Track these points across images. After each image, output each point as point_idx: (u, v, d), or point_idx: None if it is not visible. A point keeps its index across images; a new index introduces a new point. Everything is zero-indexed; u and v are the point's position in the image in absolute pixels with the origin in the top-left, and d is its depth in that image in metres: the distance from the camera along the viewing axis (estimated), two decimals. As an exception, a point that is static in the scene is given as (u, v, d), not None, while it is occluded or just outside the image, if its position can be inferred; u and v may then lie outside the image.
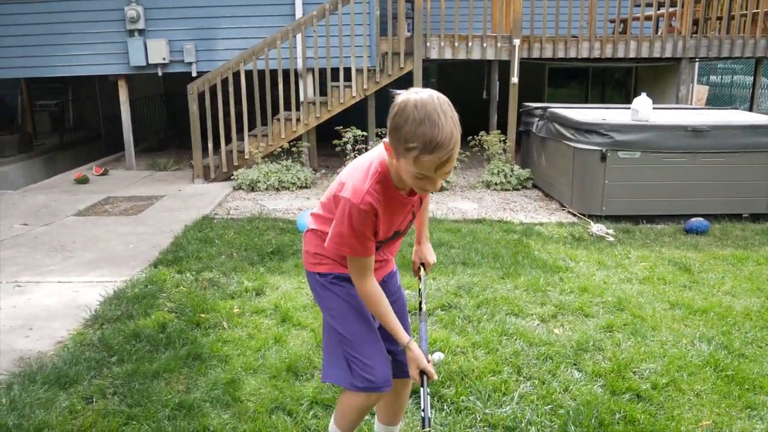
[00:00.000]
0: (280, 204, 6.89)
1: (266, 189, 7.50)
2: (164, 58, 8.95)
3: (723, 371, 3.38)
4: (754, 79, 9.82)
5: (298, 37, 8.21)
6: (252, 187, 7.51)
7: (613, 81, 13.14)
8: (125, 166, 9.44)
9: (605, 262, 5.04)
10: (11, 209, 6.89)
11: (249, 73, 8.10)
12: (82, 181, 8.29)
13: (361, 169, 1.94)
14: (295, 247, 5.21)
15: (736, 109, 12.54)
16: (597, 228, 5.84)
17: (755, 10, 8.94)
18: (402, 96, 1.74)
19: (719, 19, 9.09)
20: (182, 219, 6.21)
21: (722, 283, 4.68)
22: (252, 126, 8.37)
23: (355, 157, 7.80)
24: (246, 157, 8.10)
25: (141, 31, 9.00)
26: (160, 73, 9.18)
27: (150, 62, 8.99)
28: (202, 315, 3.91)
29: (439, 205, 6.86)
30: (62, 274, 4.77)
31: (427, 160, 1.68)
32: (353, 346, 2.11)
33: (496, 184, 7.61)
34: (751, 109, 10.10)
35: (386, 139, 1.79)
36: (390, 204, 1.94)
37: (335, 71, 8.19)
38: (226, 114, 8.04)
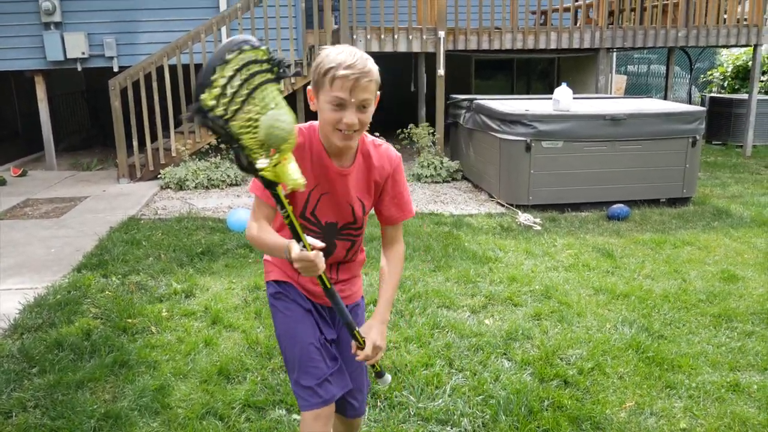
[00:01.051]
0: (209, 203, 6.75)
1: (195, 187, 7.34)
2: (83, 53, 8.59)
3: (644, 353, 3.55)
4: (667, 68, 10.30)
5: (223, 30, 8.04)
6: (180, 186, 7.33)
7: (537, 72, 13.48)
8: (45, 166, 9.04)
9: (533, 251, 5.19)
10: None
11: (173, 68, 7.88)
12: (-2, 182, 7.89)
13: None
14: (225, 247, 5.13)
15: (652, 97, 13.11)
16: (524, 218, 6.00)
17: (665, 2, 9.35)
18: (321, 50, 1.82)
19: (633, 10, 9.45)
20: (107, 221, 6.01)
21: (642, 267, 4.90)
22: (179, 123, 8.15)
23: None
24: (173, 154, 7.90)
25: (57, 24, 8.61)
26: (79, 68, 8.81)
27: (68, 57, 8.61)
28: (129, 320, 3.80)
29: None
30: (-23, 283, 4.54)
31: (341, 75, 1.72)
32: (292, 369, 2.04)
33: (426, 176, 7.70)
34: (665, 97, 10.59)
35: (309, 87, 1.84)
36: (316, 163, 1.89)
37: (262, 65, 8.06)
38: (151, 110, 7.81)
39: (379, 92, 1.83)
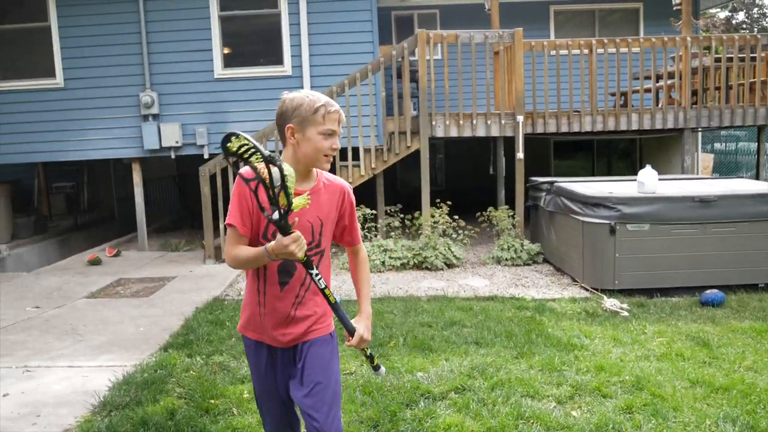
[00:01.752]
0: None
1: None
2: (177, 142, 9.19)
3: (752, 453, 3.27)
4: (758, 147, 9.92)
5: (308, 118, 8.41)
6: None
7: (618, 151, 13.30)
8: (137, 247, 9.53)
9: (621, 339, 4.95)
10: (24, 291, 6.93)
11: (259, 155, 8.25)
12: (95, 262, 8.35)
13: None
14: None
15: (742, 176, 12.60)
16: (610, 303, 5.77)
17: (752, 80, 9.13)
18: (285, 95, 2.21)
19: (717, 89, 9.28)
20: (193, 301, 6.21)
21: (743, 357, 4.57)
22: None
23: (366, 236, 7.89)
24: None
25: (155, 116, 9.29)
26: (173, 156, 9.41)
27: (163, 145, 9.23)
28: (212, 401, 3.85)
29: (450, 283, 6.83)
30: (72, 358, 4.74)
31: (333, 112, 2.17)
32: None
33: (506, 259, 7.59)
34: (757, 177, 10.15)
35: (289, 125, 2.17)
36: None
37: (344, 151, 8.35)
38: (237, 194, 8.15)
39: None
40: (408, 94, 8.46)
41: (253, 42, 9.70)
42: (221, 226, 8.22)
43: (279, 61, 9.37)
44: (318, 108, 2.15)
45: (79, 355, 4.82)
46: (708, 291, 5.94)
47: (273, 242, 2.05)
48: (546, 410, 3.73)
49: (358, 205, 7.88)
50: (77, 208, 11.88)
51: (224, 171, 8.20)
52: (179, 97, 9.35)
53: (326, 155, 2.20)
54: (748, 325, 5.27)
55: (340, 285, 6.81)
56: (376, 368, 2.45)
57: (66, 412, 3.80)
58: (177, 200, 13.33)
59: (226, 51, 9.45)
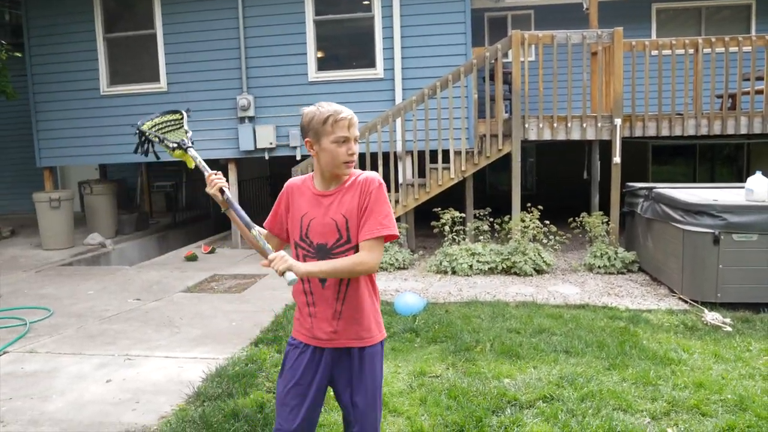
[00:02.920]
0: (378, 285, 6.91)
1: (363, 269, 7.58)
2: (271, 143, 9.47)
3: None
4: None
5: (398, 121, 8.47)
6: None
7: (722, 157, 12.57)
8: (231, 244, 9.89)
9: (723, 355, 4.65)
10: (127, 284, 7.33)
11: (349, 157, 8.37)
12: (192, 258, 8.73)
13: None
14: (392, 330, 5.17)
15: None
16: (711, 316, 5.45)
17: None
18: (305, 110, 2.38)
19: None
20: (283, 298, 6.37)
21: None
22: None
23: (454, 239, 7.84)
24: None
25: (251, 118, 9.62)
26: (266, 157, 9.71)
27: (258, 147, 9.55)
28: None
29: (540, 289, 6.66)
30: (169, 349, 4.97)
31: (341, 119, 2.27)
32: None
33: (599, 267, 7.32)
34: None
35: (307, 139, 2.34)
36: (305, 195, 2.43)
37: (434, 153, 8.34)
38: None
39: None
40: (500, 96, 8.34)
41: (347, 45, 9.86)
42: (311, 226, 8.39)
43: (371, 64, 9.46)
44: (326, 118, 2.28)
45: (175, 346, 5.04)
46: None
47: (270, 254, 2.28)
48: (639, 426, 3.56)
49: (446, 207, 7.88)
50: (176, 206, 12.49)
51: (315, 172, 8.36)
52: (274, 100, 9.63)
53: (345, 162, 2.32)
54: None
55: (427, 288, 6.80)
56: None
57: (163, 400, 3.99)
58: (269, 200, 13.75)
59: (319, 54, 9.66)
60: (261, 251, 2.38)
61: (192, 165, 2.66)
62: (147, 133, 2.70)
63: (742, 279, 5.82)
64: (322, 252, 2.35)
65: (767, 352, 4.75)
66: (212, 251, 9.35)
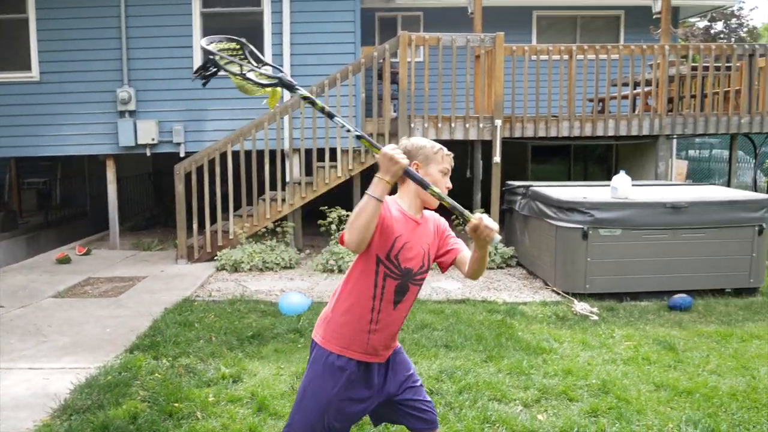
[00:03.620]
0: (263, 285, 6.83)
1: (250, 270, 7.46)
2: (153, 139, 9.09)
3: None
4: (730, 155, 10.05)
5: (285, 118, 8.39)
6: (235, 268, 7.46)
7: (594, 157, 13.40)
8: (109, 245, 9.40)
9: (589, 342, 4.98)
10: (-10, 291, 6.80)
11: (236, 154, 8.21)
12: (64, 261, 8.22)
13: None
14: (275, 331, 5.13)
15: (715, 183, 12.78)
16: (581, 307, 5.81)
17: (726, 89, 9.24)
18: (405, 141, 2.50)
19: (693, 96, 9.38)
20: (163, 301, 6.14)
21: (707, 361, 4.62)
22: (237, 206, 8.40)
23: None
24: (230, 237, 8.10)
25: (132, 113, 9.18)
26: (148, 153, 9.30)
27: (139, 142, 9.13)
28: (176, 404, 3.80)
29: (423, 286, 6.81)
30: (34, 359, 4.66)
31: (447, 155, 2.49)
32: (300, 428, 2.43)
33: (480, 262, 7.60)
34: (729, 184, 10.28)
35: (415, 162, 2.41)
36: (399, 219, 2.38)
37: (321, 152, 8.32)
38: (212, 194, 8.10)
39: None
40: (388, 95, 8.45)
41: (234, 39, 9.62)
42: (195, 226, 8.14)
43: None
44: (437, 150, 2.46)
45: (42, 356, 4.73)
46: (676, 296, 6.01)
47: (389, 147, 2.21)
48: (512, 414, 3.73)
49: (333, 206, 7.89)
50: (49, 204, 11.70)
51: (199, 169, 8.13)
52: (157, 94, 9.25)
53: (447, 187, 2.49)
54: (713, 330, 5.34)
55: (312, 287, 6.78)
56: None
57: (24, 415, 3.73)
58: (152, 198, 13.20)
59: (205, 49, 9.36)
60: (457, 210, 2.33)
61: (274, 103, 2.43)
62: (218, 57, 2.33)
63: (607, 271, 6.24)
64: (407, 277, 2.43)
65: (628, 338, 5.13)
66: (88, 253, 8.85)
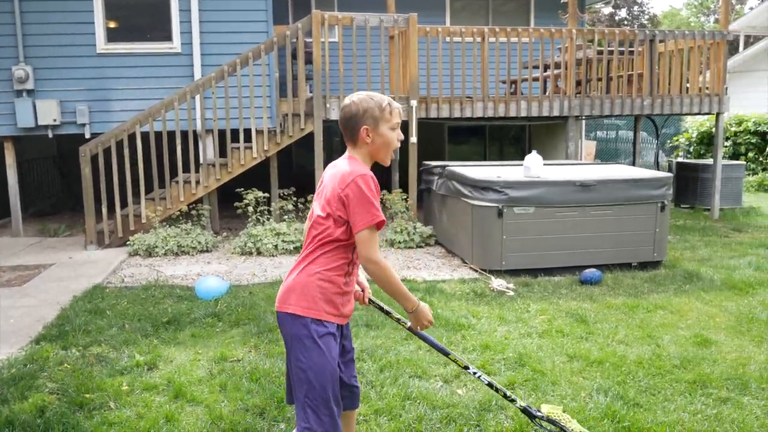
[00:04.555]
0: (178, 270, 6.62)
1: (164, 254, 7.21)
2: (55, 120, 8.58)
3: (620, 422, 3.47)
4: (635, 135, 10.57)
5: (197, 98, 8.11)
6: (149, 253, 7.20)
7: (509, 137, 13.76)
8: (11, 232, 8.85)
9: (506, 317, 5.13)
10: None
11: (146, 135, 7.88)
12: (-40, 250, 7.68)
13: (344, 168, 2.39)
14: (192, 316, 4.98)
15: (620, 162, 13.40)
16: (497, 283, 5.97)
17: (630, 72, 9.68)
18: (350, 102, 2.41)
19: (599, 79, 9.77)
20: (72, 289, 5.84)
21: (616, 332, 4.86)
22: (149, 189, 8.09)
23: (258, 219, 7.73)
24: (143, 221, 7.79)
25: (30, 92, 8.62)
26: (50, 135, 8.78)
27: (40, 123, 8.59)
28: (87, 395, 3.63)
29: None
30: (-72, 357, 4.33)
31: (395, 108, 2.42)
32: (322, 400, 2.38)
33: (399, 242, 7.68)
34: (634, 163, 10.82)
35: (364, 127, 2.37)
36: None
37: (235, 132, 8.12)
38: (122, 177, 7.75)
39: None
40: (303, 75, 8.32)
41: (141, 16, 9.18)
42: (104, 210, 7.78)
43: (168, 37, 8.93)
44: (385, 105, 2.39)
45: (-63, 351, 4.41)
46: (587, 270, 6.27)
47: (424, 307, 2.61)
48: (432, 390, 3.80)
49: (249, 187, 7.74)
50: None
51: (107, 151, 7.75)
52: (58, 72, 8.71)
53: (395, 148, 2.48)
54: (621, 302, 5.61)
55: (230, 270, 6.64)
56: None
57: None
58: (57, 182, 12.49)
59: (111, 25, 8.89)
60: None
61: None
62: None
63: (522, 248, 6.44)
64: None
65: (543, 312, 5.32)
66: (-14, 241, 8.29)
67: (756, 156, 14.86)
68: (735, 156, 14.96)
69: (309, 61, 9.16)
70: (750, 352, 4.56)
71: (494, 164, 8.30)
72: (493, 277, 6.18)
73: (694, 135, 16.02)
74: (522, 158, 7.90)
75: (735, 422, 3.53)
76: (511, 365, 4.19)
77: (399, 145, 2.49)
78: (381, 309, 2.94)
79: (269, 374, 3.92)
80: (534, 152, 6.87)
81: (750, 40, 23.85)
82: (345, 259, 2.43)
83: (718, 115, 9.93)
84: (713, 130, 11.36)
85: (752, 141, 14.95)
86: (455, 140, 13.17)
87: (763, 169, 14.56)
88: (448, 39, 8.70)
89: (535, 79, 10.21)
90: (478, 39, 8.88)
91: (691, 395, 3.84)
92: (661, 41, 9.59)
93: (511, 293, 5.81)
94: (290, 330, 2.41)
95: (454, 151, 12.91)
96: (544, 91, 9.81)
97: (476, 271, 6.54)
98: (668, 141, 16.73)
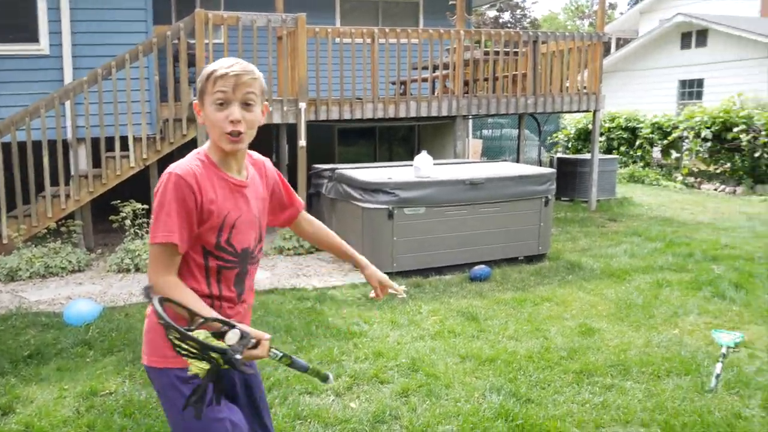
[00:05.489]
0: (45, 294, 6.02)
1: (29, 277, 6.57)
2: None
3: (513, 421, 3.46)
4: (519, 132, 10.87)
5: (67, 104, 7.49)
6: (11, 277, 6.53)
7: (398, 138, 13.82)
8: None
9: (398, 321, 5.04)
10: None
11: (7, 146, 7.19)
12: None
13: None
14: (59, 346, 4.52)
15: (506, 159, 13.81)
16: (390, 286, 5.88)
17: (515, 73, 9.95)
18: None
19: (486, 80, 9.97)
20: None
21: (506, 328, 4.90)
22: (12, 206, 7.38)
23: (136, 233, 7.25)
24: (4, 241, 7.09)
25: None
26: None
27: None
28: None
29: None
30: None
31: (222, 74, 1.78)
32: None
33: (288, 249, 7.45)
34: (518, 160, 11.13)
35: (194, 102, 1.89)
36: (218, 185, 1.87)
37: (111, 140, 7.58)
38: (-22, 193, 7.04)
39: (267, 103, 1.93)
40: (186, 78, 7.88)
41: (3, 15, 8.40)
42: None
43: (33, 38, 8.19)
44: (210, 72, 1.82)
45: None
46: (476, 267, 6.34)
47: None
48: (324, 405, 3.64)
49: (127, 199, 7.24)
50: None
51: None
52: None
53: (227, 133, 1.83)
54: (510, 296, 5.69)
55: (105, 290, 6.14)
56: (324, 378, 2.06)
57: None
58: None
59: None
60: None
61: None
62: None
63: (413, 248, 6.40)
64: (245, 258, 1.95)
65: (434, 312, 5.29)
66: None
67: (627, 150, 15.80)
68: (609, 150, 15.84)
69: (192, 63, 8.73)
70: (630, 337, 4.74)
71: (384, 165, 8.25)
72: (385, 281, 6.08)
73: (573, 131, 16.83)
74: (411, 158, 7.89)
75: (620, 408, 3.62)
76: (404, 371, 4.10)
77: (232, 126, 1.82)
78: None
79: (145, 407, 3.59)
80: (424, 152, 6.87)
81: (620, 42, 25.47)
82: (203, 278, 1.89)
83: (595, 112, 10.40)
84: (590, 126, 11.96)
85: (624, 136, 15.88)
86: (345, 142, 13.07)
87: (633, 162, 15.50)
88: (338, 40, 8.56)
89: (424, 80, 10.28)
90: (368, 40, 8.80)
91: (579, 385, 3.92)
92: (543, 42, 9.92)
93: (403, 295, 5.69)
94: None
95: (344, 153, 12.80)
96: (433, 92, 9.88)
97: (369, 275, 6.43)
98: (549, 138, 17.47)
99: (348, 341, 4.59)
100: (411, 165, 7.08)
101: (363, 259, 2.38)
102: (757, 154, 12.67)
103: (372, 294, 2.33)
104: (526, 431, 3.39)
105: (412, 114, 9.18)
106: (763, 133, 12.47)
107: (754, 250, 7.52)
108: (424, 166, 6.70)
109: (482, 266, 6.35)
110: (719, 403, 3.69)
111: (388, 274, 6.15)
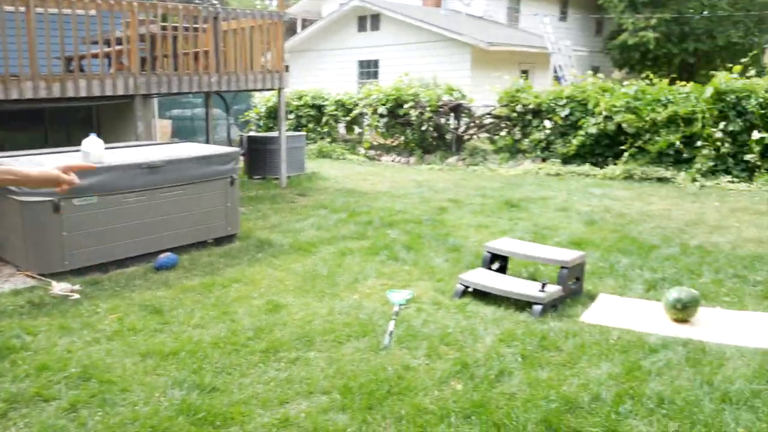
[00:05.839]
0: None
1: None
2: None
3: (195, 415, 3.35)
4: (207, 112, 10.63)
5: None
6: None
7: (77, 120, 12.49)
8: None
9: (70, 326, 4.52)
10: None
11: None
12: None
13: None
14: None
15: (198, 140, 13.47)
16: (59, 287, 5.25)
17: (196, 50, 9.61)
18: None
19: (166, 56, 9.45)
20: None
21: (192, 316, 4.73)
22: None
23: None
24: None
25: None
26: None
27: None
28: None
29: None
30: None
31: None
32: None
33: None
34: (208, 140, 10.91)
35: None
36: None
37: None
38: None
39: None
40: None
41: None
42: None
43: None
44: None
45: None
46: (161, 255, 6.01)
47: None
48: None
49: None
50: None
51: None
52: None
53: None
54: (197, 282, 5.52)
55: None
56: None
57: None
58: None
59: None
60: None
61: None
62: None
63: (88, 242, 5.81)
64: None
65: (114, 310, 4.87)
66: None
67: (315, 126, 16.55)
68: (298, 127, 16.43)
69: None
70: (314, 308, 4.93)
71: (51, 152, 7.34)
72: (54, 282, 5.41)
73: (263, 110, 17.07)
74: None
75: (303, 381, 3.74)
76: (74, 383, 3.68)
77: None
78: None
79: None
80: (93, 135, 6.23)
81: (306, 23, 26.48)
82: None
83: (280, 90, 10.60)
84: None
85: (311, 113, 16.58)
86: (8, 127, 11.38)
87: (321, 138, 16.30)
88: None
89: (95, 56, 9.36)
90: (22, 8, 7.65)
91: (265, 364, 3.95)
92: (224, 19, 9.73)
93: (77, 296, 5.16)
94: None
95: (8, 140, 11.13)
96: (108, 69, 9.04)
97: (34, 277, 5.66)
98: (240, 116, 17.48)
99: (5, 359, 3.97)
100: (78, 150, 6.38)
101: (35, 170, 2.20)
102: (424, 128, 14.29)
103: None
104: (208, 422, 3.30)
105: (83, 93, 8.30)
106: (428, 108, 14.09)
107: (421, 213, 8.45)
108: (94, 151, 6.07)
109: (168, 254, 6.04)
110: (391, 359, 4.03)
111: (60, 274, 5.58)
